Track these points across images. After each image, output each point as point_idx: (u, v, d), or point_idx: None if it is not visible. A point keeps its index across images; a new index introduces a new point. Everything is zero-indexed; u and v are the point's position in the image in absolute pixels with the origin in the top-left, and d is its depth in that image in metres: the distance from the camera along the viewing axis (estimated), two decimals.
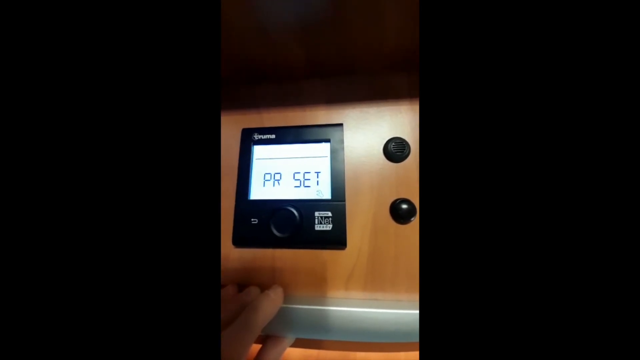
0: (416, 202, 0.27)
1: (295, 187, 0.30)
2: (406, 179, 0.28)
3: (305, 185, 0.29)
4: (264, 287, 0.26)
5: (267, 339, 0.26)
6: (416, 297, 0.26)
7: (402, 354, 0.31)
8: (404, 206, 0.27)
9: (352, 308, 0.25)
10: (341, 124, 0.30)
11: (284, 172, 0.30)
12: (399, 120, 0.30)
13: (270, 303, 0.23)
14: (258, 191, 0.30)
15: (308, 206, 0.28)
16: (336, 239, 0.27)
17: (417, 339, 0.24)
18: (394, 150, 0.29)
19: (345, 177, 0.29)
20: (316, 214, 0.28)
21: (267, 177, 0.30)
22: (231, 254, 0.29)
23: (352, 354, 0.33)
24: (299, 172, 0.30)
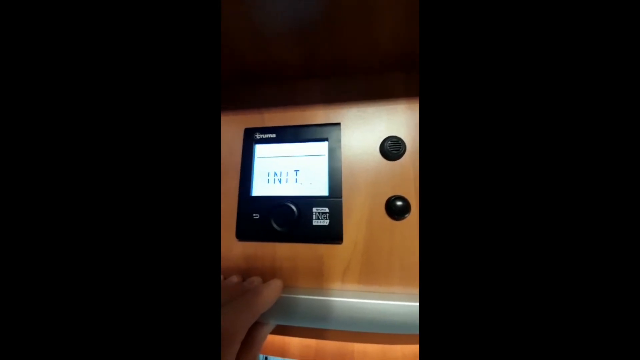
0: (411, 199, 0.28)
1: (294, 184, 0.31)
2: (401, 176, 0.29)
3: (304, 182, 0.31)
4: (265, 279, 0.28)
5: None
6: (409, 289, 0.27)
7: (398, 347, 0.32)
8: (399, 203, 0.28)
9: (347, 299, 0.26)
10: (339, 123, 0.32)
11: (284, 169, 0.32)
12: (396, 119, 0.31)
13: (271, 291, 0.25)
14: (260, 188, 0.32)
15: (306, 202, 0.29)
16: (333, 234, 0.28)
17: (410, 331, 0.25)
18: (390, 148, 0.30)
19: (342, 175, 0.30)
20: (314, 209, 0.29)
21: (268, 174, 0.32)
22: (235, 247, 0.31)
23: (349, 345, 0.34)
24: (298, 170, 0.31)
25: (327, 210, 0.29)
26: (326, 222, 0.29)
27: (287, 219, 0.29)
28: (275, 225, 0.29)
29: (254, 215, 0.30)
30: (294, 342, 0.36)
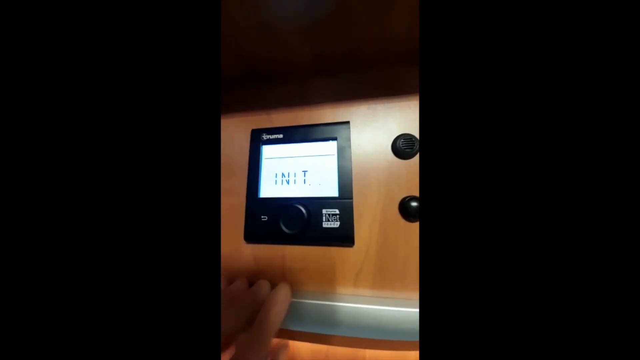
0: None
1: (303, 184, 0.30)
2: (416, 175, 0.28)
3: (313, 183, 0.30)
4: (274, 282, 0.27)
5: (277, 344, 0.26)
6: None
7: (412, 353, 0.31)
8: (414, 204, 0.27)
9: (360, 305, 0.25)
10: (348, 122, 0.30)
11: (292, 170, 0.31)
12: (408, 116, 0.30)
13: (281, 304, 0.23)
14: (267, 189, 0.31)
15: (315, 203, 0.28)
16: (344, 236, 0.27)
17: None
18: (403, 146, 0.28)
19: (353, 175, 0.29)
20: (324, 211, 0.28)
21: (276, 175, 0.31)
22: (243, 249, 0.30)
23: (361, 352, 0.33)
24: (306, 170, 0.30)
25: (337, 211, 0.28)
26: (336, 224, 0.28)
27: (296, 220, 0.28)
28: (284, 227, 0.28)
29: (262, 217, 0.29)
30: (304, 347, 0.35)
